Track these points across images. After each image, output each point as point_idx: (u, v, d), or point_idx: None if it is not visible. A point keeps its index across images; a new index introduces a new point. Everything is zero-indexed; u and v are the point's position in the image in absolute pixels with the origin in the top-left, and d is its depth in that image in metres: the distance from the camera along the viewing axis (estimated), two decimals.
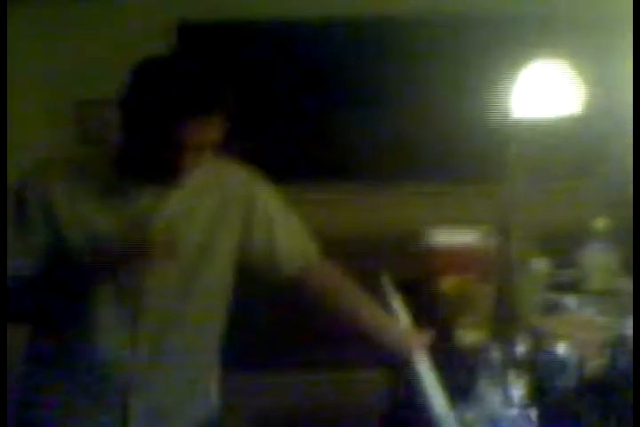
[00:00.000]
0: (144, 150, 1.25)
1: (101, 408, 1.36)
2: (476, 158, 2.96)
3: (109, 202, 1.30)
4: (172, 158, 1.23)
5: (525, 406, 1.18)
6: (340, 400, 2.87)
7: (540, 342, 1.37)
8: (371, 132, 3.19)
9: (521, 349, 1.29)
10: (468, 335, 1.52)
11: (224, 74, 1.25)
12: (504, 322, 1.34)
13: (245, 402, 2.67)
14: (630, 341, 1.40)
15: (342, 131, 3.20)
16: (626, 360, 1.39)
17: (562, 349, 1.32)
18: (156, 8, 2.99)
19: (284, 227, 1.48)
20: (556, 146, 2.51)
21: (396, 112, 3.14)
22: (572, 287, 1.92)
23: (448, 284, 1.80)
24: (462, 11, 3.02)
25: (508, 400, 1.19)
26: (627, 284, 1.89)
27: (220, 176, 1.41)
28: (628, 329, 1.42)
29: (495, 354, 1.25)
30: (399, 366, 1.65)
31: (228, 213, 1.41)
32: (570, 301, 1.81)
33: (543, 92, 1.73)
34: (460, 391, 1.28)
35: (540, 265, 1.76)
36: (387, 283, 2.16)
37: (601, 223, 1.93)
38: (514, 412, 1.17)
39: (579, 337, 1.38)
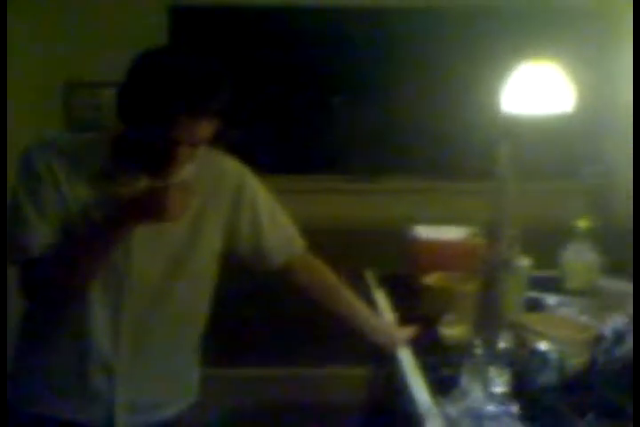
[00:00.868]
0: (139, 142, 1.25)
1: (88, 393, 1.36)
2: (465, 155, 2.98)
3: (104, 188, 1.30)
4: (167, 153, 1.23)
5: (508, 402, 1.20)
6: (321, 396, 2.88)
7: (522, 339, 1.39)
8: (359, 125, 3.19)
9: (503, 345, 1.31)
10: (452, 331, 1.54)
11: (222, 69, 1.24)
12: (487, 319, 1.35)
13: (225, 397, 2.68)
14: (608, 339, 1.44)
15: (330, 123, 3.20)
16: (604, 358, 1.42)
17: (543, 346, 1.35)
18: None
19: (271, 219, 1.49)
20: (545, 144, 2.54)
21: (386, 106, 3.16)
22: (553, 286, 1.95)
23: (432, 279, 1.82)
24: (454, 4, 3.03)
25: (490, 396, 1.20)
26: (606, 283, 1.93)
27: (210, 168, 1.41)
28: (607, 328, 1.46)
29: (478, 350, 1.26)
30: (382, 362, 1.67)
31: (216, 203, 1.42)
32: (551, 299, 1.84)
33: (534, 89, 1.75)
34: (443, 387, 1.30)
35: (523, 263, 1.78)
36: (370, 277, 2.17)
37: (583, 224, 1.96)
38: (496, 407, 1.19)
39: (560, 335, 1.40)
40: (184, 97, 1.18)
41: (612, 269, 1.97)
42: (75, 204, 1.29)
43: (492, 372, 1.23)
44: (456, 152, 3.05)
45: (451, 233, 1.93)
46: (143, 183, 1.31)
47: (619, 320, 1.46)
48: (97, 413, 1.37)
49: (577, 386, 1.35)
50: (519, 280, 1.71)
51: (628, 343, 1.40)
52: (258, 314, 2.93)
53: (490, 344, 1.30)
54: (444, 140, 3.08)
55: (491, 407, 1.19)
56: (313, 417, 2.67)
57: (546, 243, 1.86)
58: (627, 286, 1.67)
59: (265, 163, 1.54)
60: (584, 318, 1.60)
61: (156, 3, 2.97)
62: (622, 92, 2.77)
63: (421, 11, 3.04)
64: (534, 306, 1.79)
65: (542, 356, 1.34)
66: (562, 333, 1.42)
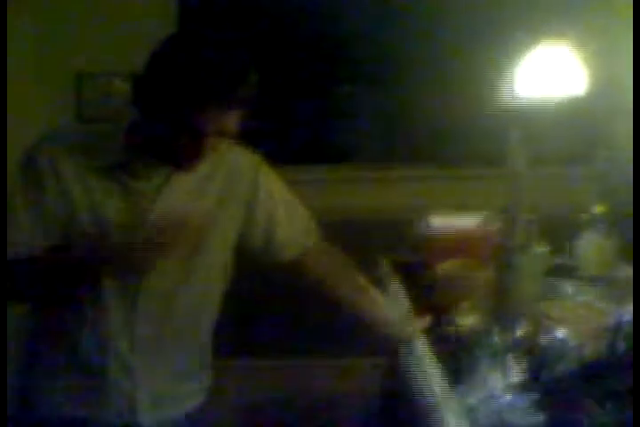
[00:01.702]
0: (160, 133, 1.20)
1: (110, 391, 1.35)
2: (476, 141, 2.95)
3: (117, 180, 1.27)
4: (193, 145, 1.19)
5: (526, 391, 1.19)
6: (336, 387, 2.87)
7: (539, 326, 1.37)
8: (367, 114, 3.17)
9: (520, 333, 1.30)
10: (468, 320, 1.52)
11: (250, 58, 1.19)
12: (503, 306, 1.34)
13: (236, 387, 2.68)
14: (628, 326, 1.41)
15: (337, 112, 3.18)
16: (624, 345, 1.40)
17: (561, 333, 1.33)
18: None
19: (286, 211, 1.47)
20: (556, 129, 2.51)
21: (393, 93, 3.13)
22: (569, 273, 1.93)
23: (447, 267, 1.80)
24: None
25: (508, 385, 1.19)
26: (623, 270, 1.90)
27: (225, 158, 1.38)
28: (626, 315, 1.43)
29: (495, 338, 1.25)
30: (397, 353, 1.65)
31: (232, 194, 1.39)
32: (567, 286, 1.82)
33: (545, 73, 1.72)
34: (460, 376, 1.28)
35: (539, 250, 1.76)
36: (384, 266, 2.15)
37: (598, 210, 1.93)
38: (515, 396, 1.17)
39: (577, 322, 1.38)
40: (213, 86, 1.12)
41: (628, 256, 1.94)
42: (85, 198, 1.25)
43: (510, 360, 1.22)
44: (467, 138, 3.03)
45: (464, 220, 1.91)
46: (161, 176, 1.28)
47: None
48: (119, 409, 1.36)
49: (596, 374, 1.33)
50: (536, 266, 1.69)
51: None
52: (268, 303, 2.92)
53: (507, 332, 1.29)
54: (456, 127, 3.05)
55: (509, 396, 1.18)
56: (327, 408, 2.67)
57: (559, 230, 1.83)
58: None
59: (272, 152, 1.51)
60: (602, 305, 1.58)
61: None
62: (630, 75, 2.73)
63: None
64: (552, 294, 1.77)
65: (561, 343, 1.32)
66: (580, 320, 1.40)
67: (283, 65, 3.06)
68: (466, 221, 1.90)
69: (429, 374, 1.36)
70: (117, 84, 2.87)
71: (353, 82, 3.16)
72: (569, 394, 1.26)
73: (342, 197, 2.96)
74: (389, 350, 1.80)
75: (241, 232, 1.43)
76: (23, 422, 1.40)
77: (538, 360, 1.30)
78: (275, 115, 3.04)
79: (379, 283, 1.80)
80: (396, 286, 1.96)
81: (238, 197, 1.40)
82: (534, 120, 1.62)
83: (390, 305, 1.66)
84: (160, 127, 1.19)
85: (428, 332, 1.56)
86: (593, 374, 1.33)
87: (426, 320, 1.58)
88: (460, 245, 1.87)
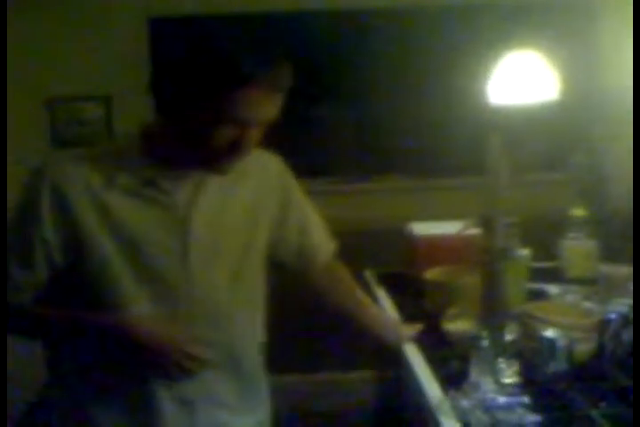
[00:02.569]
0: (198, 132, 1.11)
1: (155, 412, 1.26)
2: (455, 150, 2.98)
3: (141, 197, 1.19)
4: (236, 137, 1.11)
5: (518, 393, 1.19)
6: (329, 402, 2.85)
7: (528, 328, 1.38)
8: (351, 125, 3.18)
9: (510, 336, 1.30)
10: (456, 325, 1.52)
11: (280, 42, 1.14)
12: (491, 310, 1.34)
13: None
14: (615, 324, 1.42)
15: (322, 124, 3.18)
16: (613, 344, 1.41)
17: (550, 333, 1.33)
18: (125, 5, 2.95)
19: (314, 221, 1.46)
20: (532, 135, 2.54)
21: (376, 105, 3.15)
22: (553, 277, 1.94)
23: (433, 274, 1.80)
24: (439, 1, 3.04)
25: (501, 387, 1.19)
26: (606, 270, 1.92)
27: (254, 164, 1.31)
28: (613, 313, 1.44)
29: (485, 342, 1.25)
30: (389, 364, 1.65)
31: (263, 201, 1.34)
32: (553, 289, 1.83)
33: (519, 78, 1.74)
34: (453, 381, 1.28)
35: (522, 253, 1.78)
36: (370, 277, 2.15)
37: (578, 212, 1.96)
38: (508, 398, 1.17)
39: (565, 322, 1.39)
40: (253, 67, 1.05)
41: (611, 256, 1.96)
42: (102, 219, 1.16)
43: (501, 363, 1.22)
44: (445, 148, 3.05)
45: (446, 228, 1.92)
46: (190, 187, 1.22)
47: (625, 303, 1.45)
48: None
49: (587, 373, 1.34)
50: (519, 270, 1.70)
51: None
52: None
53: (496, 336, 1.29)
54: (432, 137, 3.07)
55: (502, 398, 1.18)
56: (322, 423, 2.64)
57: (539, 235, 1.85)
58: (628, 271, 1.67)
59: None
60: (588, 305, 1.59)
61: (134, 15, 2.96)
62: (608, 80, 2.78)
63: (406, 9, 3.04)
64: (537, 296, 1.78)
65: (550, 343, 1.32)
66: (567, 319, 1.41)
67: None
68: (448, 229, 1.91)
69: (423, 379, 1.36)
70: (91, 108, 2.86)
71: (328, 98, 3.17)
72: (562, 394, 1.27)
73: (326, 208, 2.96)
74: (382, 362, 1.80)
75: (275, 235, 1.37)
76: None
77: (529, 361, 1.30)
78: None
79: (365, 293, 1.79)
80: (383, 296, 1.96)
81: (270, 203, 1.35)
82: (512, 126, 1.63)
83: (384, 314, 1.67)
84: (197, 126, 1.10)
85: (419, 339, 1.56)
86: (585, 373, 1.33)
87: (416, 327, 1.59)
88: (444, 252, 1.87)
